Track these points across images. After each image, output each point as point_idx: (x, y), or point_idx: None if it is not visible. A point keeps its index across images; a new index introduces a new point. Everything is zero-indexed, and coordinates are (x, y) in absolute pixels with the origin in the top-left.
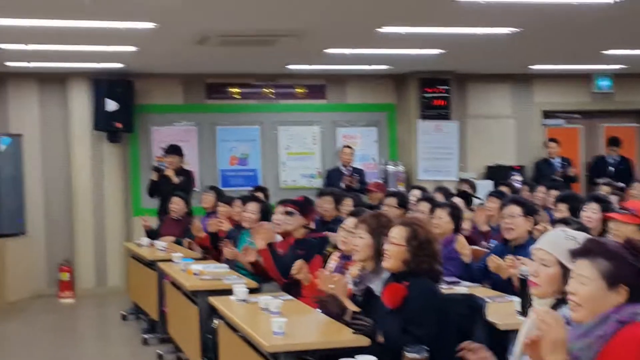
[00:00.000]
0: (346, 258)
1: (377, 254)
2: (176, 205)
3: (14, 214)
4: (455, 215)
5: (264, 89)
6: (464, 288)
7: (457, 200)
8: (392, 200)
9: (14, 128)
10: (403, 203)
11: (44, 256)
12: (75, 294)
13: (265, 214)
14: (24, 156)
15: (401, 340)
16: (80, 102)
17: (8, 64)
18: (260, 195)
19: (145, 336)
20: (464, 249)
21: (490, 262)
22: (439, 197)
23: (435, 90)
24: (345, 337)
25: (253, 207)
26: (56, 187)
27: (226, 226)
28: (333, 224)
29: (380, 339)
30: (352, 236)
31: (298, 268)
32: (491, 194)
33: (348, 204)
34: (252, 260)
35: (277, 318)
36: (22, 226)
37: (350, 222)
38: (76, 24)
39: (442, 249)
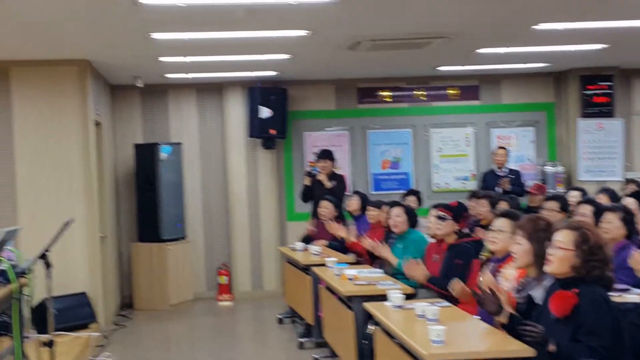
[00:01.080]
0: (498, 260)
1: (538, 260)
2: (325, 208)
3: (174, 220)
4: (628, 219)
5: (416, 92)
6: (635, 296)
7: (629, 202)
8: (553, 204)
9: (174, 136)
10: (565, 207)
11: (203, 260)
12: (233, 297)
13: (412, 218)
14: (183, 163)
15: (575, 350)
16: (235, 110)
17: (168, 76)
18: (412, 199)
19: (301, 340)
20: (638, 265)
21: (631, 260)
22: (603, 199)
23: (597, 87)
24: (508, 346)
25: (398, 212)
26: (214, 193)
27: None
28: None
29: (552, 347)
30: (500, 235)
31: (458, 290)
32: None
33: (504, 207)
34: (422, 278)
35: (435, 325)
36: (183, 231)
37: (499, 222)
38: (233, 35)
39: (613, 257)
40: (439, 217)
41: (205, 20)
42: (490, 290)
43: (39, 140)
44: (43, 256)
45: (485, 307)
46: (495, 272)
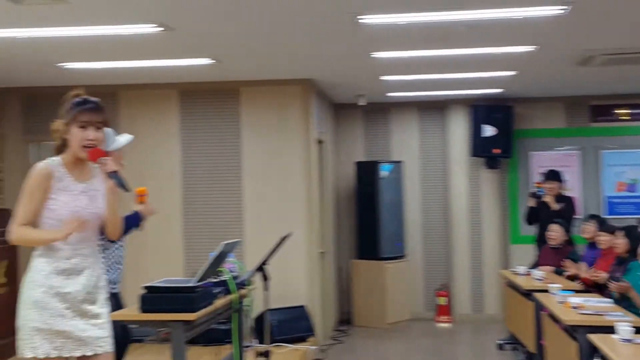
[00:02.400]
0: None
1: None
2: (554, 233)
3: (394, 238)
4: None
5: None
6: None
7: None
8: None
9: (395, 154)
10: None
11: (421, 280)
12: (453, 319)
13: (636, 243)
14: (404, 182)
15: None
16: (458, 128)
17: (390, 94)
18: None
19: None
20: None
21: None
22: None
23: None
24: None
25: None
26: (434, 213)
27: (603, 277)
28: None
29: None
30: None
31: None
32: None
33: None
34: None
35: None
36: (402, 250)
37: None
38: (454, 52)
39: None
40: None
41: (425, 38)
42: None
43: (264, 157)
44: (260, 268)
45: None
46: None
